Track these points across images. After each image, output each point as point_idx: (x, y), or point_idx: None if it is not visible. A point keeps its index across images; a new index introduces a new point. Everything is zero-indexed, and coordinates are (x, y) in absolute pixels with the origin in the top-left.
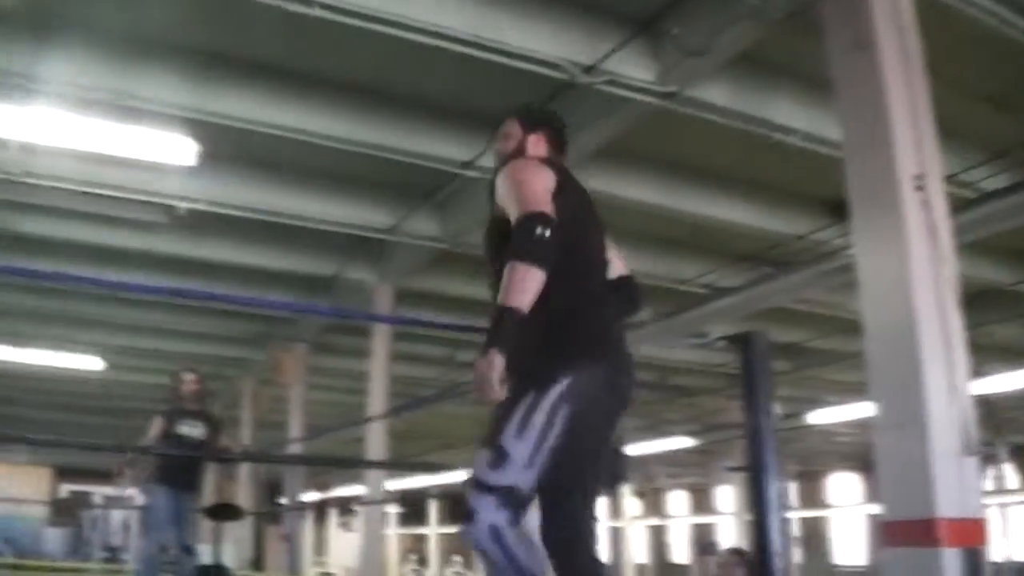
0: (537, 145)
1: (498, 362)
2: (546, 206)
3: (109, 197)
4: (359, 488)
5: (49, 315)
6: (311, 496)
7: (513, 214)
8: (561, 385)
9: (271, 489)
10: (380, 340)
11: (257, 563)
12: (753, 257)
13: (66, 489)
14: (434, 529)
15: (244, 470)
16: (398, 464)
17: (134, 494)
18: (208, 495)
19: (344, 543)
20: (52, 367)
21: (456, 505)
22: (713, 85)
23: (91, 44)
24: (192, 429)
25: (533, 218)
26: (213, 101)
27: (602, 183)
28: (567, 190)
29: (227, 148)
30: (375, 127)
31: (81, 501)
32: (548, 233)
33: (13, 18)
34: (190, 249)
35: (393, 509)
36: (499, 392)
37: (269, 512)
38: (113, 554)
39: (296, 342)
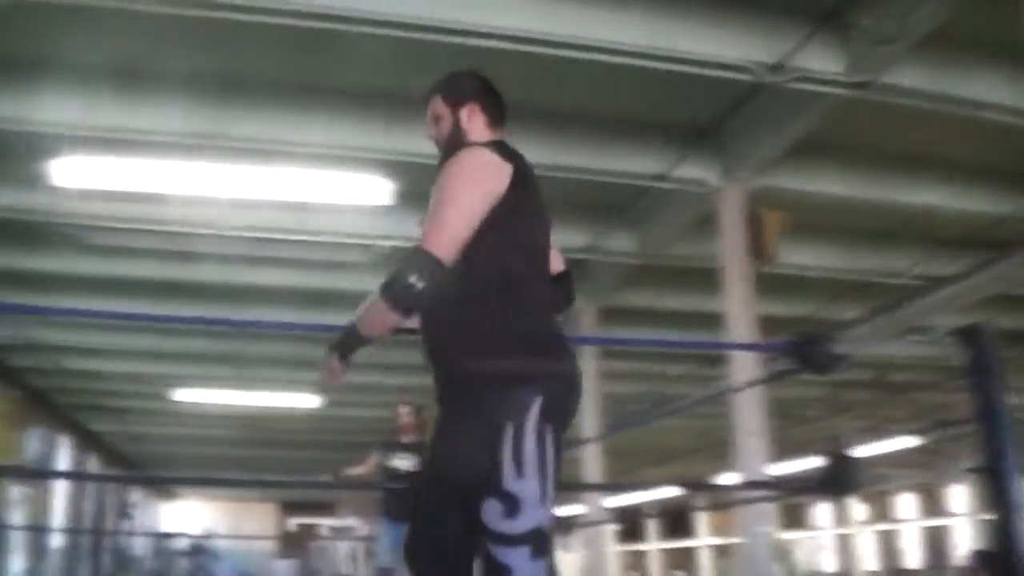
0: (472, 118)
1: (335, 364)
2: (451, 248)
3: (313, 242)
4: (576, 508)
5: (270, 359)
6: None
7: (426, 223)
8: (536, 406)
9: None
10: (587, 360)
11: None
12: (965, 242)
13: (293, 523)
14: (653, 544)
15: None
16: (617, 485)
17: (357, 525)
18: None
19: (564, 562)
20: (274, 407)
21: (675, 519)
22: (906, 69)
23: (283, 101)
24: (402, 461)
25: (423, 261)
26: (404, 140)
27: (800, 181)
28: (524, 184)
29: (422, 184)
30: (563, 150)
31: (308, 534)
32: (424, 286)
33: (209, 82)
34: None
35: (612, 526)
36: (339, 376)
37: None
38: None
39: None
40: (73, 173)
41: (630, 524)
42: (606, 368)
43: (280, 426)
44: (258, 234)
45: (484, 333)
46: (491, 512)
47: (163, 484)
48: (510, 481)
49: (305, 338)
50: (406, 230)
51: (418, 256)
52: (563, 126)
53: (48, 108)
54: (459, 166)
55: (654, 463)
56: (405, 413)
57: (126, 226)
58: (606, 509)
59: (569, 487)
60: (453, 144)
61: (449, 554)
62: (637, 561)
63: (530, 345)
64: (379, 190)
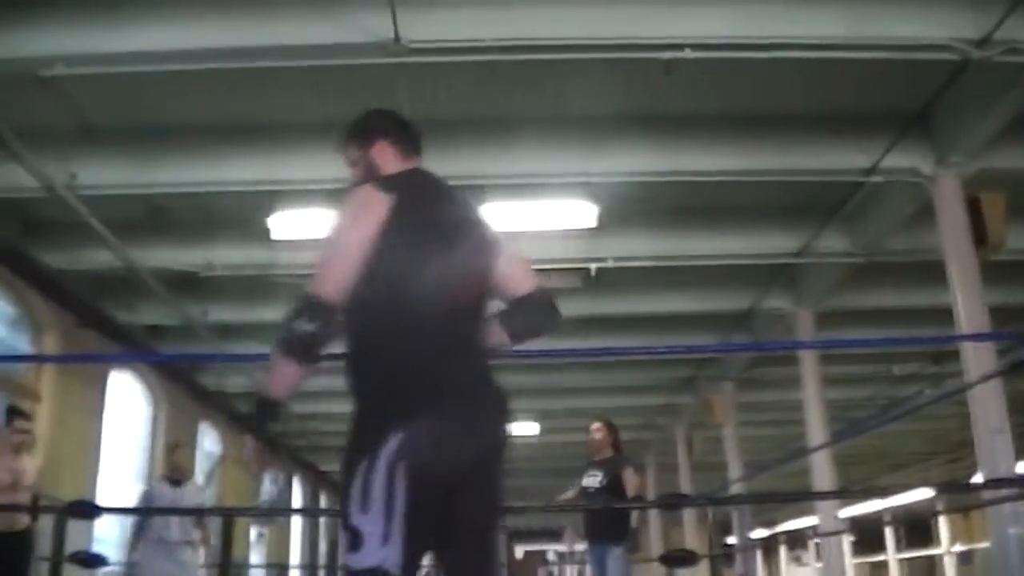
0: (383, 155)
1: (249, 443)
2: (334, 288)
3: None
4: (807, 521)
5: None
6: (758, 533)
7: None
8: (392, 444)
9: (720, 530)
10: (808, 366)
11: None
12: None
13: (520, 550)
14: (893, 555)
15: (689, 514)
16: (845, 492)
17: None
18: (656, 542)
19: None
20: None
21: (915, 527)
22: None
23: (497, 136)
24: (591, 479)
25: (308, 305)
26: (604, 163)
27: (1020, 159)
28: (411, 213)
29: (625, 204)
30: (766, 154)
31: (536, 560)
32: (314, 328)
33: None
34: (605, 307)
35: (847, 538)
36: (263, 464)
37: (722, 554)
38: None
39: (723, 381)
40: (290, 226)
41: (867, 535)
42: (828, 373)
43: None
44: None
45: (355, 368)
46: (343, 542)
47: None
48: (355, 515)
49: (525, 366)
50: (612, 250)
51: (303, 301)
52: (766, 129)
53: (268, 167)
54: (342, 209)
55: (888, 470)
56: (596, 429)
57: None
58: (840, 519)
59: (798, 497)
60: (361, 181)
61: None
62: (877, 574)
63: (397, 380)
64: (584, 213)
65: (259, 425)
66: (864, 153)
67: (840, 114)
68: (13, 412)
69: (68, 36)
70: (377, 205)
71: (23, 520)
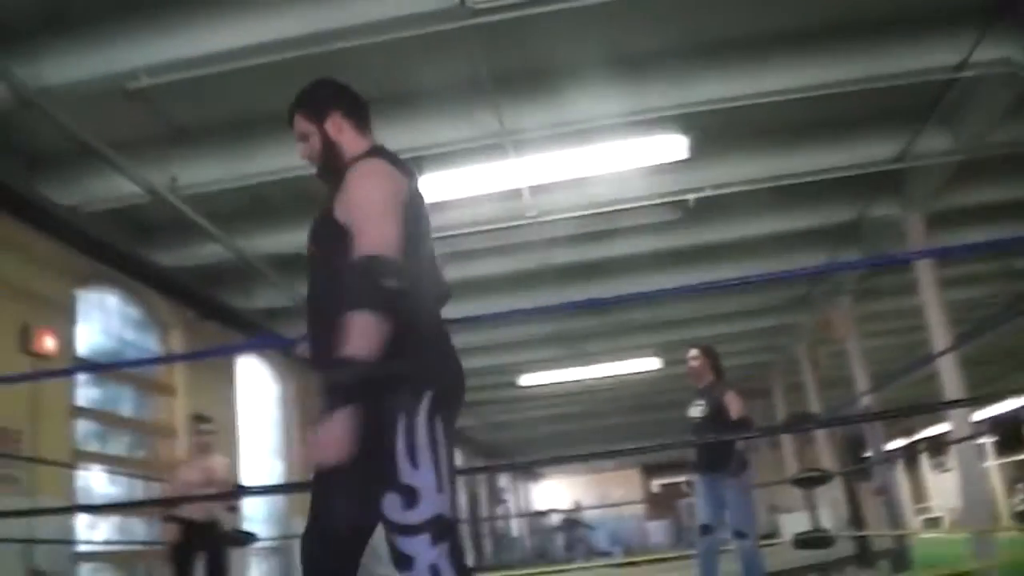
0: (340, 130)
1: (346, 425)
2: (395, 246)
3: (627, 210)
4: (946, 426)
5: (611, 330)
6: (897, 444)
7: (360, 239)
8: (427, 399)
9: (854, 446)
10: (924, 270)
11: (856, 521)
12: None
13: (656, 484)
14: None
15: (821, 432)
16: (967, 400)
17: None
18: (790, 462)
19: (942, 484)
20: (615, 376)
21: None
22: None
23: (582, 80)
24: (695, 410)
25: (381, 264)
26: (694, 92)
27: None
28: (418, 200)
29: (715, 132)
30: (852, 63)
31: (673, 493)
32: (401, 284)
33: (499, 84)
34: (709, 235)
35: (989, 439)
36: (349, 453)
37: (856, 470)
38: None
39: (839, 295)
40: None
41: (1009, 434)
42: (945, 276)
43: (626, 392)
44: (568, 214)
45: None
46: (391, 505)
47: (526, 467)
48: (406, 473)
49: (636, 307)
50: (708, 179)
51: (379, 262)
52: (848, 38)
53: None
54: (361, 176)
55: (1019, 367)
56: (692, 357)
57: (472, 230)
58: (975, 423)
59: (923, 410)
60: (331, 161)
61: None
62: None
63: (418, 343)
64: (675, 146)
65: (336, 402)
66: (952, 49)
67: (922, 13)
68: (196, 419)
69: (146, 47)
70: (401, 183)
71: (217, 512)
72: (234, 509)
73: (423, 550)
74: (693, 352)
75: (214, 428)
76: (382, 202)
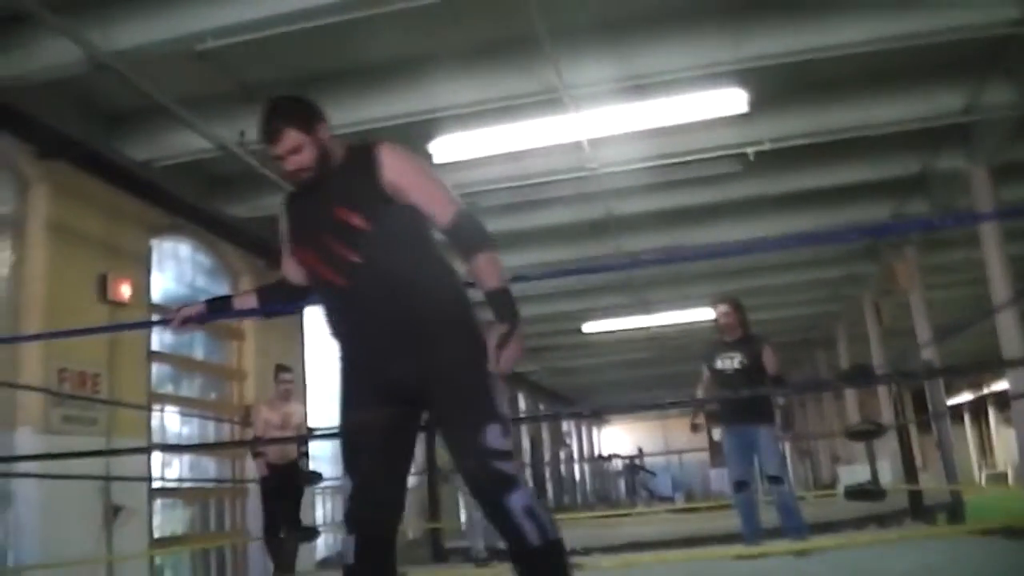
0: (328, 137)
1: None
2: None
3: (688, 163)
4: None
5: (674, 279)
6: (964, 397)
7: (439, 202)
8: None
9: (918, 398)
10: (987, 225)
11: (910, 473)
12: None
13: (717, 432)
14: None
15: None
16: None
17: None
18: (853, 412)
19: (1010, 440)
20: (677, 324)
21: None
22: None
23: (641, 36)
24: (726, 362)
25: (471, 214)
26: (753, 46)
27: None
28: None
29: (775, 85)
30: (915, 15)
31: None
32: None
33: (563, 39)
34: (769, 188)
35: None
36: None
37: (917, 422)
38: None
39: (905, 245)
40: (450, 149)
41: None
42: (1009, 228)
43: (689, 340)
44: (632, 166)
45: (458, 294)
46: (494, 433)
47: (589, 415)
48: (501, 406)
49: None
50: (768, 133)
51: (470, 214)
52: None
53: (421, 98)
54: (406, 154)
55: None
56: (724, 313)
57: (536, 181)
58: None
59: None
60: (325, 162)
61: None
62: None
63: (463, 291)
64: (734, 100)
65: (517, 316)
66: (1014, 2)
67: None
68: (279, 368)
69: (212, 11)
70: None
71: (293, 452)
72: (306, 453)
73: (519, 471)
74: (724, 307)
75: (293, 377)
76: (429, 169)
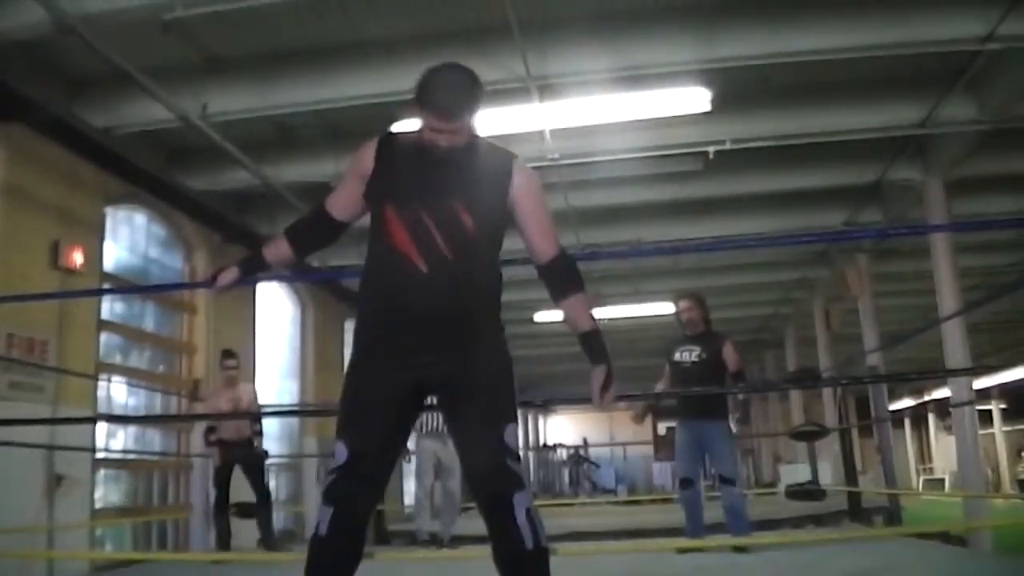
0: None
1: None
2: None
3: (647, 158)
4: (946, 390)
5: (628, 274)
6: (906, 403)
7: (549, 236)
8: None
9: (861, 402)
10: (939, 236)
11: (851, 476)
12: None
13: (663, 426)
14: None
15: (828, 388)
16: (966, 370)
17: None
18: (797, 414)
19: (948, 447)
20: (631, 318)
21: None
22: None
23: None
24: (685, 355)
25: (572, 255)
26: (720, 48)
27: None
28: None
29: (739, 87)
30: (879, 28)
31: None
32: None
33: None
34: (727, 188)
35: (998, 405)
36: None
37: (859, 426)
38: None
39: (856, 253)
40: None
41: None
42: (964, 241)
43: (640, 335)
44: (603, 157)
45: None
46: (511, 433)
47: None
48: (515, 407)
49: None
50: (729, 133)
51: (572, 257)
52: (879, 2)
53: (386, 80)
54: (539, 185)
55: None
56: (687, 308)
57: None
58: (981, 389)
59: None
60: (474, 146)
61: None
62: None
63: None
64: (698, 99)
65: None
66: (981, 20)
67: None
68: (224, 354)
69: None
70: None
71: (246, 430)
72: (259, 432)
73: (525, 471)
74: (686, 303)
75: (238, 363)
76: (547, 202)
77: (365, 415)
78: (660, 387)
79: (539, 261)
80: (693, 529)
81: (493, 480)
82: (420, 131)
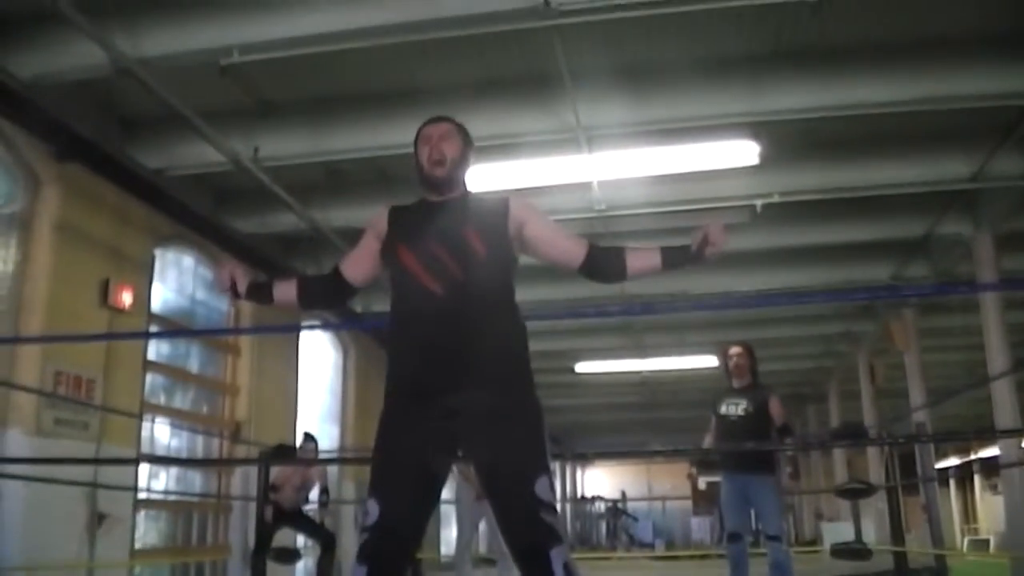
0: (469, 164)
1: None
2: None
3: (695, 211)
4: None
5: (671, 325)
6: (951, 461)
7: (568, 240)
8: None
9: (905, 460)
10: (989, 293)
11: (898, 535)
12: None
13: (703, 480)
14: None
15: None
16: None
17: None
18: (840, 470)
19: (993, 507)
20: (671, 370)
21: None
22: None
23: (657, 82)
24: (731, 408)
25: (595, 243)
26: (769, 101)
27: None
28: None
29: (788, 140)
30: (929, 81)
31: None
32: None
33: (583, 78)
34: (774, 240)
35: None
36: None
37: (904, 484)
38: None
39: (903, 307)
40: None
41: None
42: (1009, 297)
43: (682, 387)
44: (641, 210)
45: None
46: (544, 487)
47: (575, 457)
48: (549, 463)
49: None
50: (777, 186)
51: (598, 245)
52: (927, 56)
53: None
54: (533, 206)
55: None
56: (738, 355)
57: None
58: None
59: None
60: (457, 177)
61: None
62: None
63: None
64: (746, 152)
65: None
66: None
67: (1006, 36)
68: (306, 437)
69: (241, 26)
70: None
71: (303, 503)
72: (324, 504)
73: (561, 524)
74: (737, 349)
75: (317, 448)
76: (549, 218)
77: (396, 474)
78: (708, 439)
79: (575, 264)
80: None
81: (527, 535)
82: (421, 198)
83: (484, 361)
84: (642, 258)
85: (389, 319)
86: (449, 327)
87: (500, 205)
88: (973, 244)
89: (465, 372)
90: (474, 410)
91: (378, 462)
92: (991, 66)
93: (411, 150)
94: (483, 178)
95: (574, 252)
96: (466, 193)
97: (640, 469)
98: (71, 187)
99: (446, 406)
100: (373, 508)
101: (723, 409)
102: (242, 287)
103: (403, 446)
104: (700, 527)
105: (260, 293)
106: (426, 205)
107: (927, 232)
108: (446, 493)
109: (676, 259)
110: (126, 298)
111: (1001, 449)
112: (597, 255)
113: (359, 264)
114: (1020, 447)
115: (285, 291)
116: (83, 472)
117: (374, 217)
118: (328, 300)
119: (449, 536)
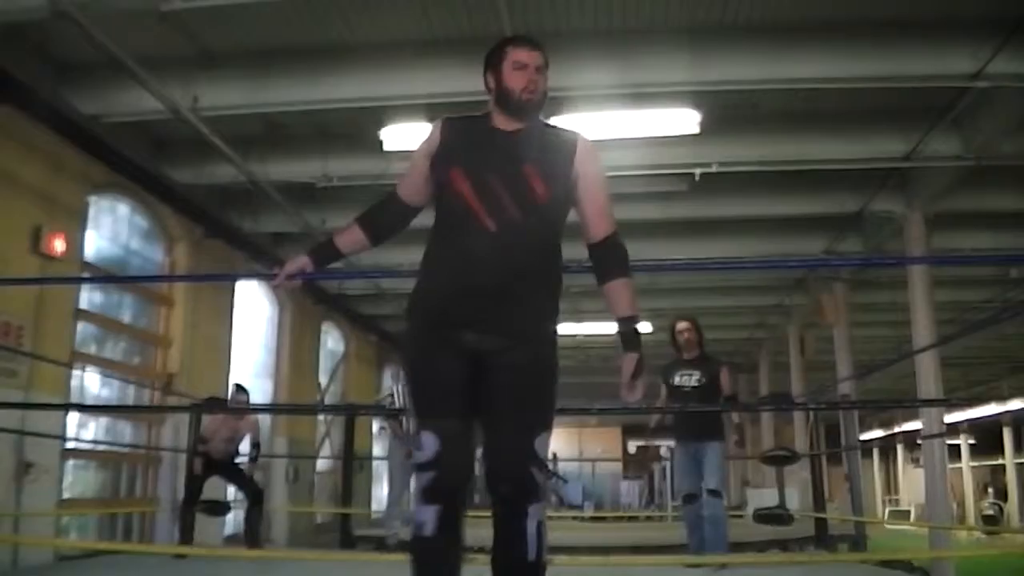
0: None
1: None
2: None
3: (634, 176)
4: (916, 423)
5: (601, 290)
6: (875, 434)
7: (607, 214)
8: None
9: (831, 430)
10: (917, 270)
11: (819, 503)
12: None
13: (634, 445)
14: (1011, 459)
15: (799, 413)
16: (941, 400)
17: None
18: (768, 439)
19: (915, 479)
20: (611, 335)
21: None
22: None
23: (602, 48)
24: (684, 378)
25: (622, 240)
26: (712, 71)
27: None
28: None
29: (728, 111)
30: (871, 59)
31: (648, 455)
32: None
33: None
34: (710, 210)
35: (966, 440)
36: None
37: (828, 453)
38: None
39: (834, 281)
40: (400, 138)
41: (986, 438)
42: (941, 275)
43: (613, 352)
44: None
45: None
46: (543, 442)
47: None
48: (552, 417)
49: (635, 268)
50: (716, 156)
51: (622, 241)
52: (870, 35)
53: (378, 83)
54: (599, 160)
55: (1009, 372)
56: (686, 329)
57: None
58: (950, 423)
59: (897, 404)
60: (540, 107)
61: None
62: (997, 477)
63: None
64: (687, 120)
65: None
66: (971, 58)
67: (945, 19)
68: (237, 388)
69: None
70: None
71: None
72: (254, 459)
73: (546, 483)
74: (685, 324)
75: (248, 400)
76: (607, 182)
77: (446, 401)
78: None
79: (593, 239)
80: (695, 544)
81: (514, 487)
82: (487, 115)
83: (523, 311)
84: (626, 291)
85: (431, 241)
86: (498, 269)
87: (569, 145)
88: (905, 222)
89: (503, 318)
90: (503, 356)
91: (425, 392)
92: (929, 48)
93: (352, 105)
94: (423, 136)
95: (602, 227)
96: (536, 123)
97: (572, 432)
98: (3, 131)
99: (477, 344)
100: (430, 442)
101: (676, 380)
102: (310, 267)
103: (445, 377)
104: (629, 491)
105: (328, 256)
106: (491, 130)
107: (861, 208)
108: (377, 450)
109: (627, 331)
110: (58, 245)
111: (923, 422)
112: (615, 244)
113: (413, 187)
114: (941, 421)
115: (351, 241)
116: (10, 418)
117: (427, 134)
118: (396, 227)
119: (379, 492)
